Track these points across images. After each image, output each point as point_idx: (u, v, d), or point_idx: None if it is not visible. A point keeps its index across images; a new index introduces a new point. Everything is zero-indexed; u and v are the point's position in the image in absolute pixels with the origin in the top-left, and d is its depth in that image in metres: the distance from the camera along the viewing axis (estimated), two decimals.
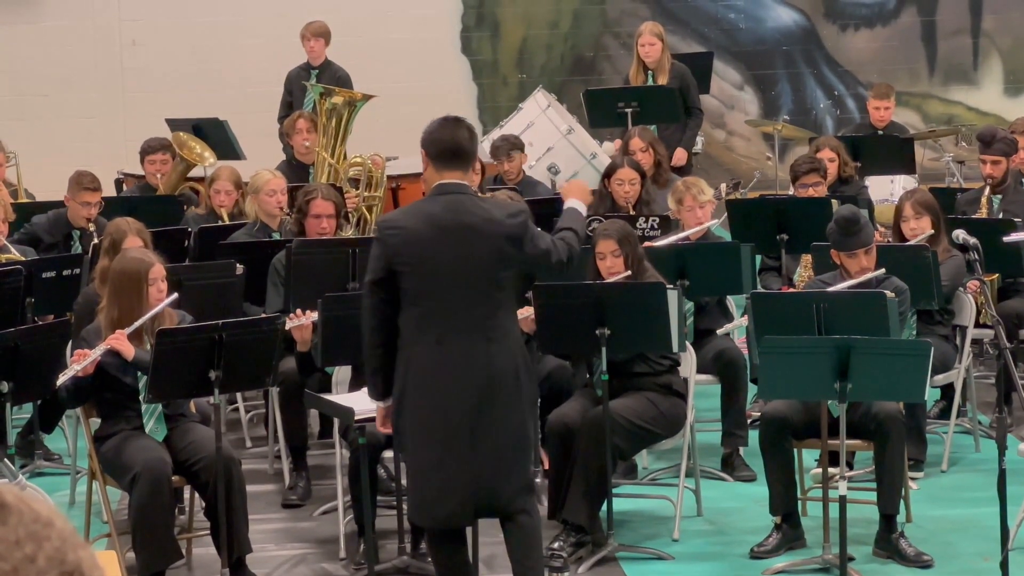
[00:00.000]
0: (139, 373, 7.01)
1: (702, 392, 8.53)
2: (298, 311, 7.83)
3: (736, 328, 8.62)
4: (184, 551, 7.24)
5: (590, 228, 8.86)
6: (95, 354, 6.93)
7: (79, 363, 6.92)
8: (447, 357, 6.10)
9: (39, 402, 8.58)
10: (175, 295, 7.20)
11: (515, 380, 6.19)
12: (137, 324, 6.99)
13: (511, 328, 6.25)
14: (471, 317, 6.12)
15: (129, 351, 6.96)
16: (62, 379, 6.94)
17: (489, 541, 7.07)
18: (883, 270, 7.73)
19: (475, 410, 6.11)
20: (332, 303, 7.47)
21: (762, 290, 9.06)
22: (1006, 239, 8.91)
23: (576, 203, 6.72)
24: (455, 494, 6.15)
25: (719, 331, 8.46)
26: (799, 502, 7.57)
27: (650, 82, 12.24)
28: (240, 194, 10.26)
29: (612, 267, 7.69)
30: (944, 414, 9.11)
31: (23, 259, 9.09)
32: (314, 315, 7.69)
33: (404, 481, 7.29)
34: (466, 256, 6.13)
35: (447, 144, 6.29)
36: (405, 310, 6.16)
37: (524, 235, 6.23)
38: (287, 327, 7.74)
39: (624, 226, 7.94)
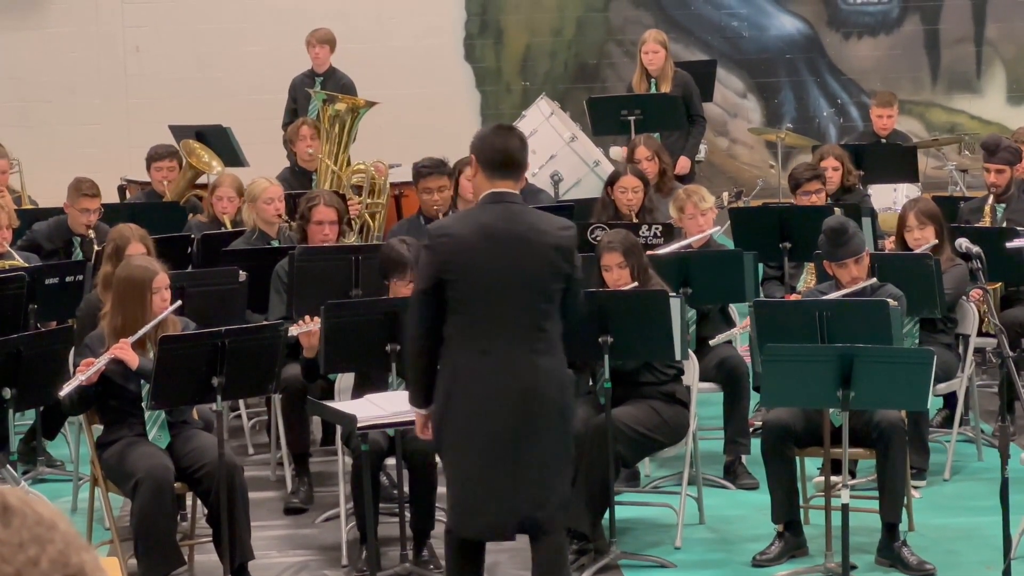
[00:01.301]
0: (142, 381, 7.01)
1: (704, 400, 8.53)
2: (306, 317, 7.81)
3: (729, 337, 8.62)
4: (186, 557, 7.24)
5: (593, 237, 8.88)
6: (99, 363, 6.93)
7: (84, 373, 6.91)
8: (492, 367, 5.99)
9: (42, 408, 8.59)
10: (178, 303, 7.21)
11: (559, 393, 6.10)
12: (141, 333, 6.99)
13: (557, 340, 6.12)
14: (518, 328, 6.02)
15: (133, 360, 6.95)
16: (67, 389, 6.94)
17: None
18: (875, 279, 7.73)
19: (518, 421, 6.00)
20: (335, 310, 7.47)
21: (764, 298, 9.06)
22: (1009, 245, 8.92)
23: None
24: (496, 505, 6.04)
25: (711, 342, 8.45)
26: (801, 510, 7.57)
27: (653, 90, 12.25)
28: (242, 201, 10.26)
29: (619, 279, 7.69)
30: (947, 423, 9.11)
31: (26, 265, 9.10)
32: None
33: (407, 489, 7.31)
34: (516, 266, 6.03)
35: (499, 153, 6.14)
36: (451, 318, 6.04)
37: (573, 249, 6.17)
38: (295, 333, 7.72)
39: (628, 236, 7.93)
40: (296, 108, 13.09)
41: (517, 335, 6.02)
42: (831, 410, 7.17)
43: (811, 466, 7.92)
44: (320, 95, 12.08)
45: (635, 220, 9.64)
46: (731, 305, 9.00)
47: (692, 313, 8.44)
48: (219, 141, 12.40)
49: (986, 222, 9.82)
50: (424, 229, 9.49)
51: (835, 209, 9.43)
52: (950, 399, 9.10)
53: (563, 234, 6.14)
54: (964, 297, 8.71)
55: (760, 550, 7.45)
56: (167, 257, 7.93)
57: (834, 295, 7.64)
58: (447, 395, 6.06)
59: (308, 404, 7.69)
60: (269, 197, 9.45)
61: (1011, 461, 6.45)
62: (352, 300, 8.12)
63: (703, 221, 9.07)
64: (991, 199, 9.94)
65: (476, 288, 6.02)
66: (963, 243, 7.17)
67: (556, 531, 6.20)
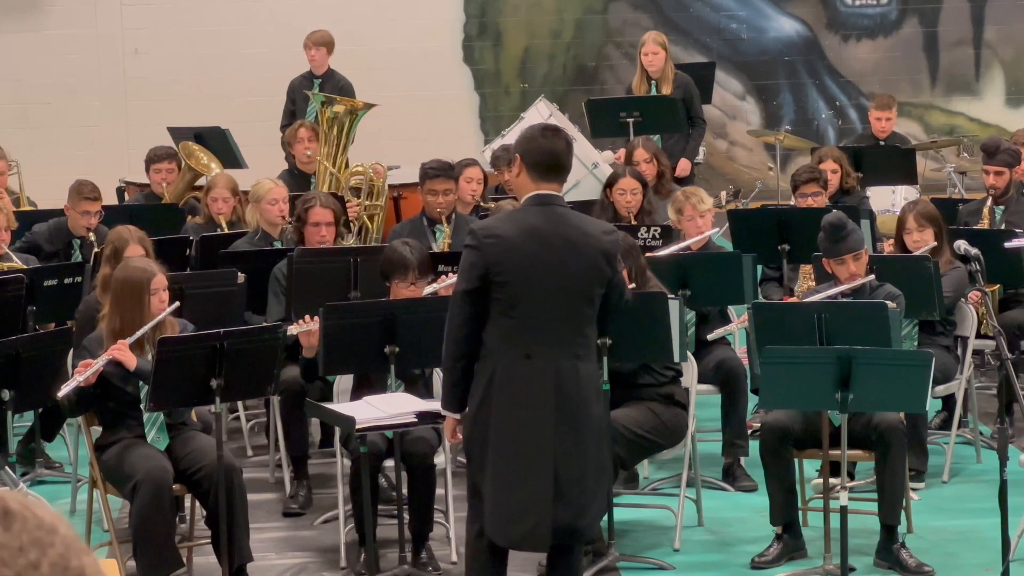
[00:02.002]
0: (140, 383, 7.00)
1: (703, 402, 8.52)
2: (306, 316, 7.79)
3: (728, 333, 8.62)
4: (185, 559, 7.24)
5: None
6: (97, 364, 6.93)
7: (82, 374, 6.91)
8: (536, 372, 5.93)
9: (40, 410, 8.59)
10: (176, 304, 7.20)
11: (597, 399, 6.08)
12: (139, 334, 6.98)
13: (594, 346, 6.11)
14: (561, 332, 5.96)
15: (131, 361, 6.95)
16: (64, 390, 6.93)
17: None
18: (873, 277, 7.73)
19: (560, 427, 5.94)
20: (333, 312, 7.46)
21: (763, 300, 9.06)
22: (1007, 245, 8.92)
23: None
24: (535, 512, 5.95)
25: (710, 336, 8.45)
26: (800, 512, 7.57)
27: (654, 92, 12.25)
28: (237, 201, 10.27)
29: None
30: (945, 425, 9.11)
31: (25, 267, 9.10)
32: None
33: (405, 491, 7.31)
34: (563, 270, 5.97)
35: (547, 155, 6.08)
36: (494, 321, 5.97)
37: (617, 254, 6.13)
38: (294, 332, 7.71)
39: (626, 238, 7.93)
40: (294, 110, 13.10)
41: (561, 339, 5.97)
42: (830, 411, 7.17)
43: (809, 468, 7.92)
44: (319, 97, 12.08)
45: (634, 222, 9.64)
46: (730, 307, 9.01)
47: (691, 315, 8.44)
48: (218, 143, 12.41)
49: (984, 224, 9.82)
50: (426, 230, 9.56)
51: (833, 210, 9.42)
52: (949, 401, 9.10)
53: (608, 239, 6.09)
54: (963, 299, 8.71)
55: (759, 552, 7.45)
56: (166, 259, 7.93)
57: (832, 291, 7.64)
58: (483, 397, 5.99)
59: (307, 406, 7.69)
60: (273, 198, 9.47)
61: (1010, 463, 6.46)
62: (351, 302, 8.12)
63: (702, 223, 9.07)
64: (989, 201, 9.94)
65: (523, 291, 5.95)
66: (962, 245, 7.18)
67: (586, 541, 6.16)
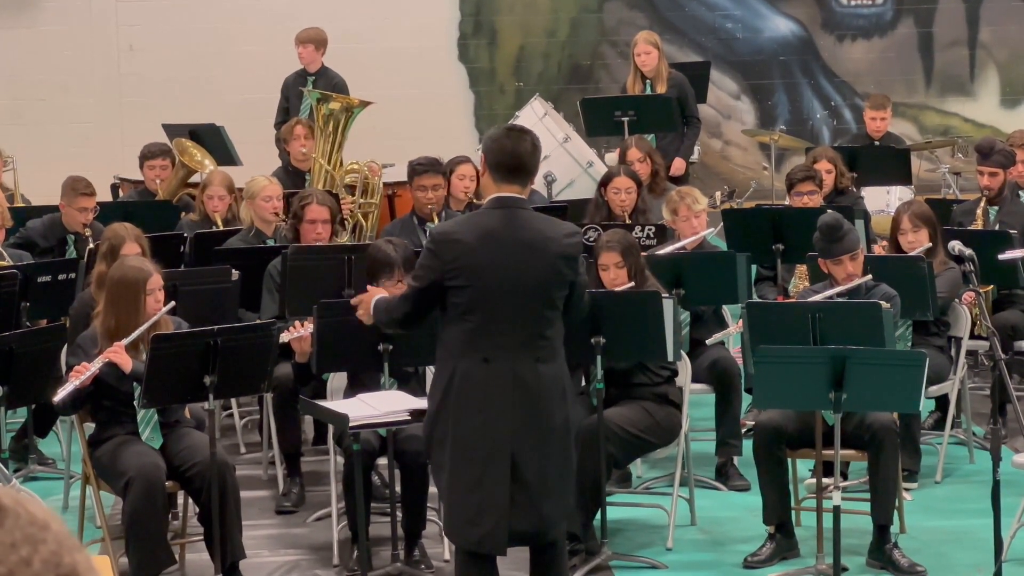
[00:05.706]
0: (135, 383, 6.99)
1: (696, 401, 8.53)
2: (296, 323, 7.77)
3: (725, 337, 8.62)
4: (177, 556, 7.25)
5: (587, 238, 8.86)
6: (94, 368, 6.91)
7: (79, 377, 6.90)
8: (495, 376, 5.92)
9: (33, 406, 8.58)
10: (172, 303, 7.19)
11: (562, 401, 6.04)
12: (134, 335, 6.97)
13: (559, 348, 6.07)
14: (521, 336, 5.95)
15: (127, 364, 6.94)
16: (61, 394, 6.92)
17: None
18: (870, 276, 7.74)
19: (521, 431, 5.94)
20: (327, 310, 7.46)
21: (757, 300, 9.06)
22: (1001, 257, 8.91)
23: None
24: (491, 515, 5.95)
25: (708, 341, 8.45)
26: (793, 512, 7.57)
27: (649, 91, 12.25)
28: (233, 199, 10.26)
29: (616, 279, 7.69)
30: (938, 425, 9.11)
31: (15, 264, 9.08)
32: (311, 326, 7.63)
33: (399, 489, 7.32)
34: (522, 273, 5.95)
35: (510, 156, 6.04)
36: (454, 324, 5.97)
37: (578, 256, 6.10)
38: (285, 340, 7.69)
39: (626, 236, 7.94)
40: (288, 107, 13.10)
41: (520, 343, 5.95)
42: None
43: (803, 468, 7.92)
44: (314, 94, 12.06)
45: (628, 221, 9.64)
46: (724, 307, 9.00)
47: (686, 315, 8.44)
48: (212, 140, 12.40)
49: (978, 225, 9.83)
50: (417, 229, 9.54)
51: (829, 211, 9.42)
52: (942, 401, 9.10)
53: (569, 241, 6.06)
54: (957, 300, 8.71)
55: (751, 551, 7.46)
56: (160, 256, 7.93)
57: (829, 292, 7.65)
58: (443, 398, 5.99)
59: (300, 403, 7.68)
60: (267, 195, 9.47)
61: (1002, 464, 6.47)
62: (345, 300, 8.10)
63: (697, 223, 9.07)
64: (983, 202, 9.95)
65: (481, 294, 5.93)
66: (956, 245, 7.18)
67: (558, 540, 6.17)
